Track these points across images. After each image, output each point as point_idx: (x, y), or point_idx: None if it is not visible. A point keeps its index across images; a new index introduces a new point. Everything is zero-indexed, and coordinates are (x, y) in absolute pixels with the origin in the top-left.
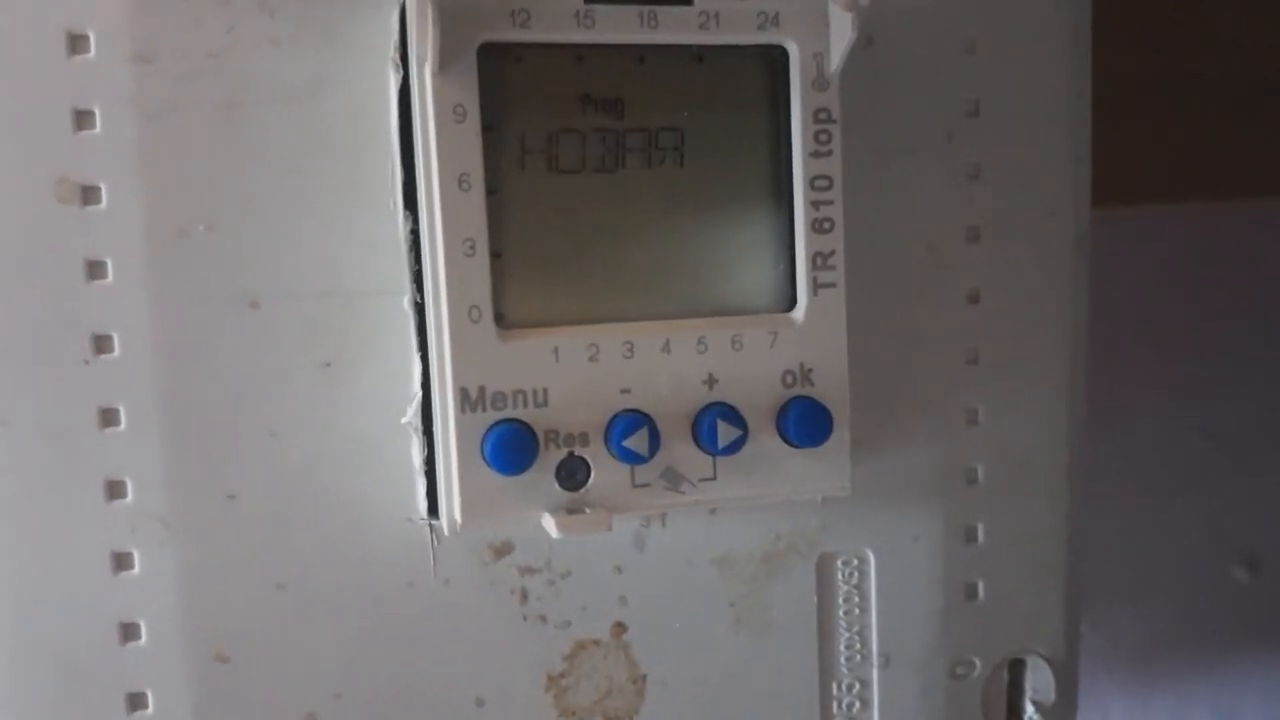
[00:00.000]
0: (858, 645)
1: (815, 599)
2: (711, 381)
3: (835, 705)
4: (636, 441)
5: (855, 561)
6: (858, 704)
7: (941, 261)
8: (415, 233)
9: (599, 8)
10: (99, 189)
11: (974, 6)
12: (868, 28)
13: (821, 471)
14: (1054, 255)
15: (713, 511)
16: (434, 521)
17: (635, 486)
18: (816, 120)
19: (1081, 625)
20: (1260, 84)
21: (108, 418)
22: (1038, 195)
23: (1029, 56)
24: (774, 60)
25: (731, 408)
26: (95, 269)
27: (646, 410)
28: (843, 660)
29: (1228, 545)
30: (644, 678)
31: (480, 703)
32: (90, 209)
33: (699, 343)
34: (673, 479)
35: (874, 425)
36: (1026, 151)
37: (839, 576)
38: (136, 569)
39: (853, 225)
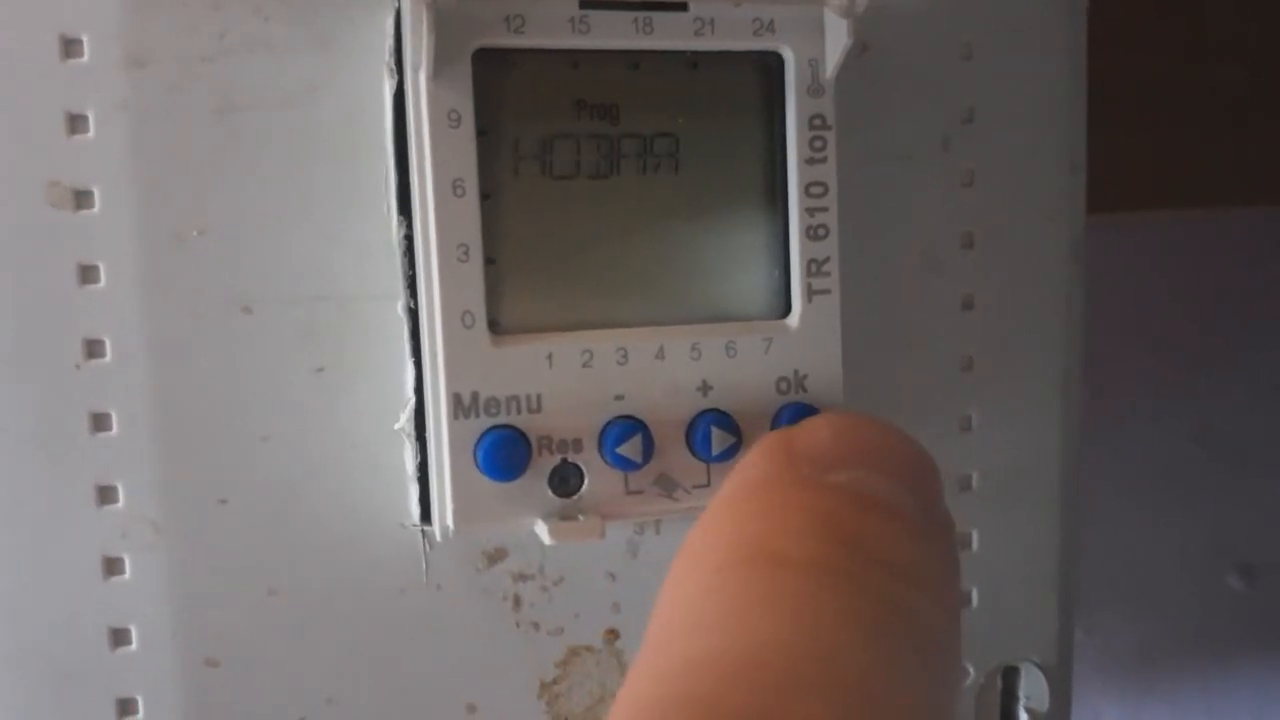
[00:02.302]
0: None
1: None
2: (705, 388)
3: None
4: (630, 448)
5: None
6: None
7: (936, 267)
8: (409, 238)
9: (594, 13)
10: (92, 193)
11: (969, 13)
12: (863, 34)
13: None
14: (1049, 261)
15: None
16: (426, 527)
17: (629, 493)
18: (811, 126)
19: (1076, 632)
20: (1255, 90)
21: (99, 422)
22: (1033, 201)
23: (1024, 63)
24: (769, 66)
25: (726, 414)
26: (88, 273)
27: (640, 417)
28: None
29: (1223, 553)
30: None
31: (472, 709)
32: (83, 213)
33: (693, 349)
34: (667, 486)
35: None
36: (1022, 158)
37: None
38: (127, 574)
39: (847, 231)
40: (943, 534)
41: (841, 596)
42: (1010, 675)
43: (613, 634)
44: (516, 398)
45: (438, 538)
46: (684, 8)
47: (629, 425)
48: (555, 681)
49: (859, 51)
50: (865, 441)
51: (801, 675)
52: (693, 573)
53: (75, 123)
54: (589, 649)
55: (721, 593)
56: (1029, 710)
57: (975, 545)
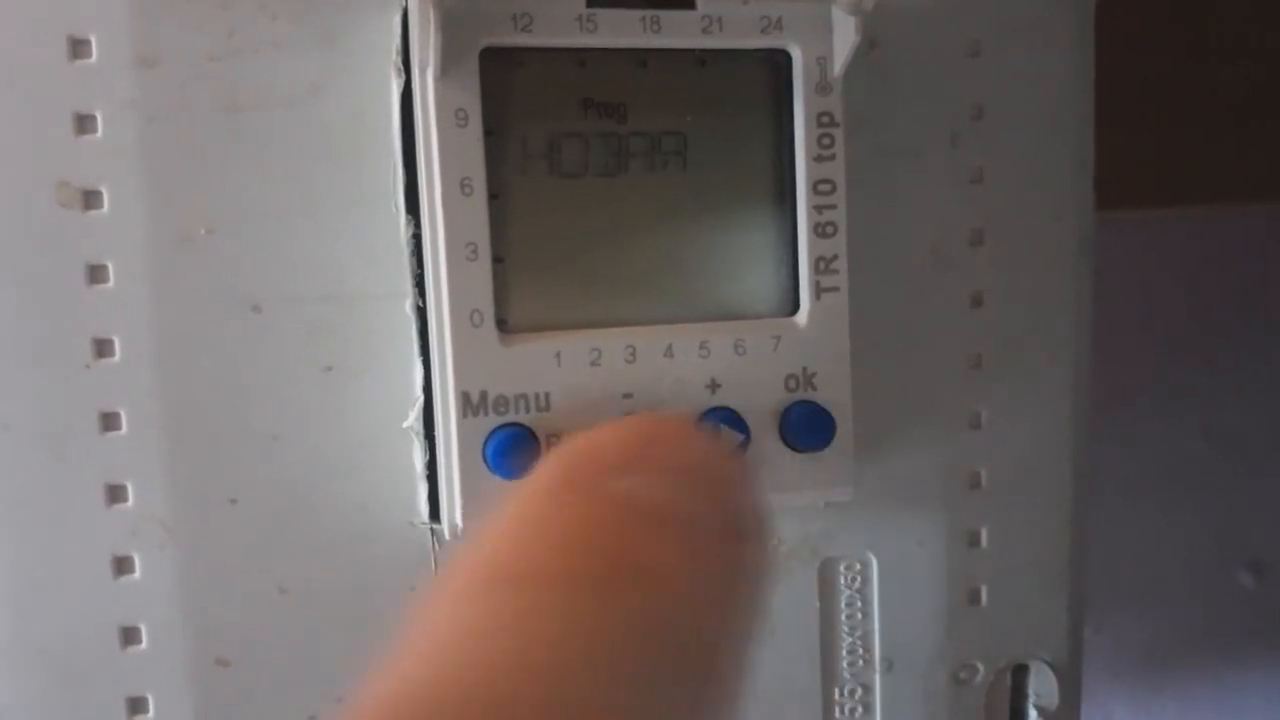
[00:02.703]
0: (860, 650)
1: (817, 604)
2: (714, 386)
3: (837, 710)
4: None
5: (858, 566)
6: (860, 709)
7: (945, 265)
8: (417, 237)
9: (601, 12)
10: (101, 193)
11: (977, 10)
12: (871, 31)
13: (824, 475)
14: (1058, 258)
15: None
16: (435, 525)
17: None
18: (819, 124)
19: (1085, 629)
20: (1265, 88)
21: (109, 422)
22: (1041, 198)
23: (1032, 60)
24: (777, 64)
25: (734, 412)
26: (97, 273)
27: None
28: (845, 665)
29: (1233, 549)
30: None
31: None
32: (92, 213)
33: (701, 347)
34: None
35: (876, 429)
36: (1030, 155)
37: (841, 581)
38: (137, 573)
39: (856, 228)
40: (736, 546)
41: (583, 615)
42: (1020, 673)
43: None
44: (525, 396)
45: (446, 536)
46: (691, 6)
47: None
48: None
49: (867, 49)
50: (660, 446)
51: (511, 705)
52: (444, 589)
53: (84, 123)
54: None
55: (460, 612)
56: (1038, 708)
57: (984, 543)
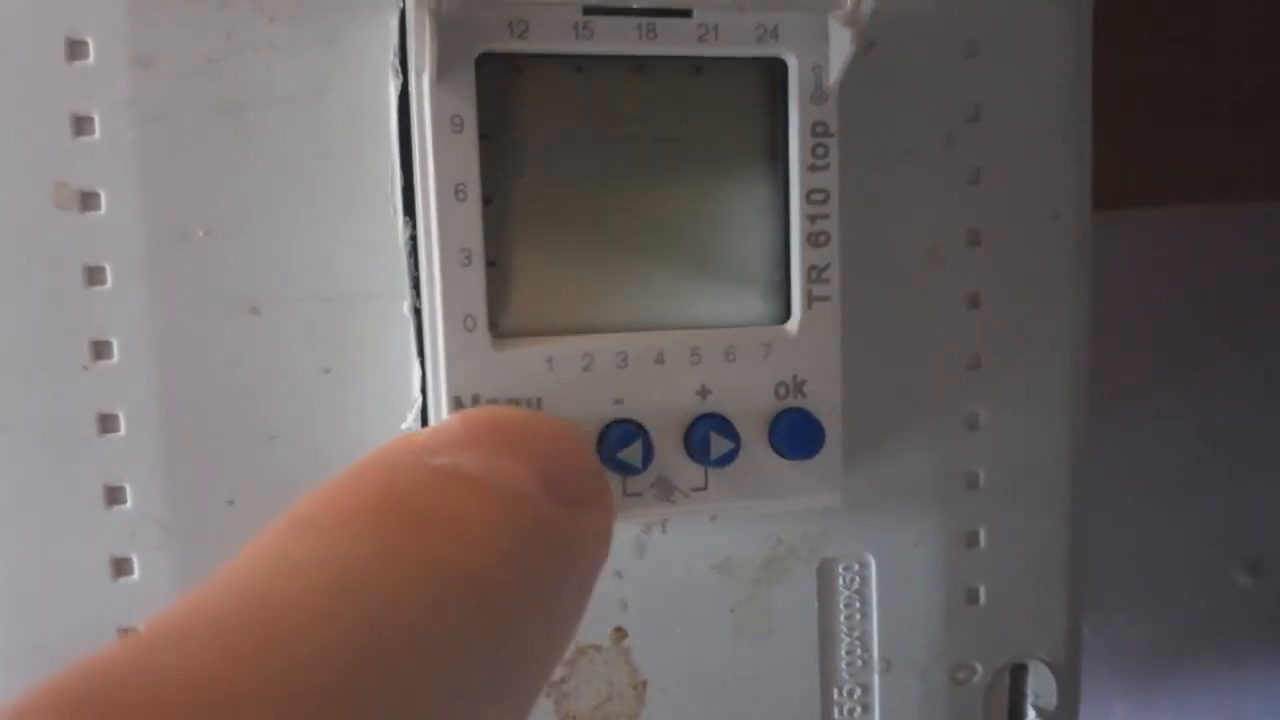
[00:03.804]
0: (859, 650)
1: (816, 604)
2: (704, 393)
3: (836, 711)
4: (629, 452)
5: (856, 567)
6: (859, 709)
7: (942, 265)
8: (415, 239)
9: (598, 19)
10: (98, 194)
11: (975, 10)
12: (868, 32)
13: (813, 482)
14: (1055, 259)
15: (713, 517)
16: None
17: (627, 495)
18: (814, 133)
19: (1083, 629)
20: (1264, 87)
21: (107, 423)
22: (1039, 199)
23: (1030, 60)
24: (773, 73)
25: (724, 419)
26: (94, 274)
27: (639, 420)
28: (844, 665)
29: (1230, 549)
30: (644, 683)
31: None
32: (89, 214)
33: (692, 354)
34: (664, 489)
35: (874, 430)
36: (1028, 155)
37: (840, 582)
38: (136, 574)
39: (853, 230)
40: (557, 510)
41: (352, 549)
42: (1018, 673)
43: (620, 633)
44: (517, 400)
45: None
46: (688, 14)
47: (629, 431)
48: (562, 680)
49: (864, 50)
50: (497, 426)
51: (247, 631)
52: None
53: (81, 124)
54: (596, 647)
55: (247, 551)
56: (1037, 708)
57: (983, 543)
